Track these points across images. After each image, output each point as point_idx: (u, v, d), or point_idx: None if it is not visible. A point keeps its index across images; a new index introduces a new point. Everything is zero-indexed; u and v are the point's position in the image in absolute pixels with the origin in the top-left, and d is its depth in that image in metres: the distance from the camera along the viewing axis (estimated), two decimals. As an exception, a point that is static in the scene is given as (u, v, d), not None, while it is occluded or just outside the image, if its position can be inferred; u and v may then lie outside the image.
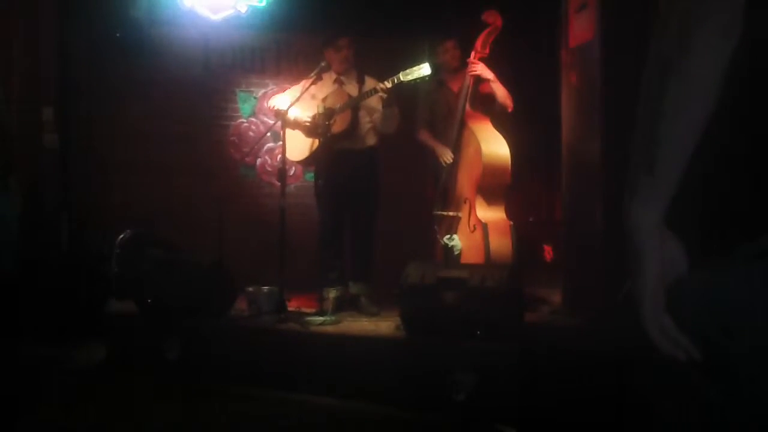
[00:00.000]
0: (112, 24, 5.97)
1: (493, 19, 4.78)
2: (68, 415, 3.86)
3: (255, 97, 6.78)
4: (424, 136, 5.22)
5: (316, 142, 4.99)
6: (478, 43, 4.81)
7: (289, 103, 4.92)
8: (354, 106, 4.92)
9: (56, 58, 5.96)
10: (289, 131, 4.98)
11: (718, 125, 1.11)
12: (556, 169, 5.31)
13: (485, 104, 4.94)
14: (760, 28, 1.12)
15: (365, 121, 5.02)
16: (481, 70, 4.83)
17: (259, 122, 6.76)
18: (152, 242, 5.03)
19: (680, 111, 1.10)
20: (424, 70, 4.61)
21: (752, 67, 1.16)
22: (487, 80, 4.86)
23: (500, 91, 4.89)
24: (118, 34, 5.97)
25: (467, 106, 4.86)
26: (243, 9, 6.36)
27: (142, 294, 4.79)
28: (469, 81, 4.83)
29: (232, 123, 6.74)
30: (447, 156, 4.99)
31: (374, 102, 4.90)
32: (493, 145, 4.77)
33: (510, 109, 4.93)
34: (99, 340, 4.92)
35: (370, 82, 4.99)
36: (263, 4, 6.39)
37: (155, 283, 4.75)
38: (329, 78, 5.07)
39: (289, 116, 4.95)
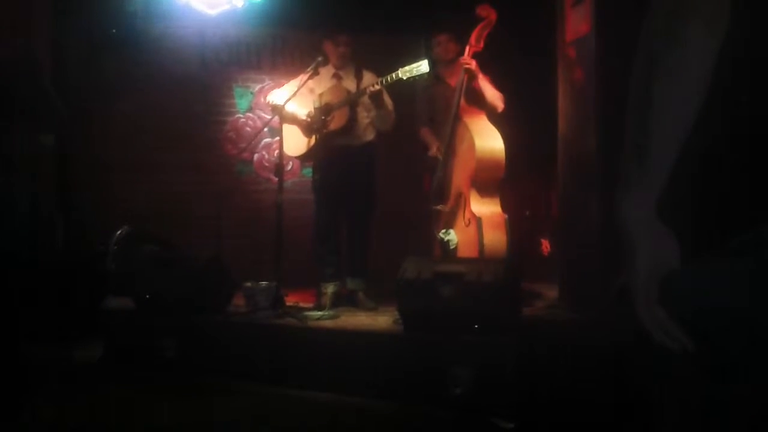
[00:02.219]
0: (107, 20, 5.95)
1: (486, 13, 4.77)
2: (66, 413, 3.86)
3: (252, 93, 6.77)
4: (424, 133, 5.21)
5: (314, 138, 4.99)
6: (473, 38, 4.80)
7: (286, 98, 4.92)
8: (352, 102, 4.92)
9: (51, 55, 5.94)
10: (287, 126, 4.98)
11: (710, 119, 1.12)
12: (552, 163, 5.32)
13: (480, 99, 4.94)
14: (750, 23, 1.12)
15: (363, 117, 5.02)
16: (473, 63, 4.83)
17: (255, 117, 6.75)
18: (149, 239, 5.03)
19: (669, 104, 1.11)
20: (422, 67, 4.61)
21: (743, 62, 1.17)
22: (477, 77, 4.85)
23: (489, 92, 4.90)
24: (113, 30, 5.95)
25: (462, 101, 4.86)
26: (239, 4, 6.34)
27: (140, 291, 4.79)
28: (463, 75, 4.83)
29: (229, 119, 6.73)
30: (434, 150, 5.00)
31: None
32: (487, 139, 4.77)
33: (500, 110, 4.93)
34: (97, 337, 4.92)
35: (368, 77, 4.99)
36: (259, -1, 6.38)
37: (152, 280, 4.75)
38: (327, 73, 5.06)
39: (287, 111, 4.95)
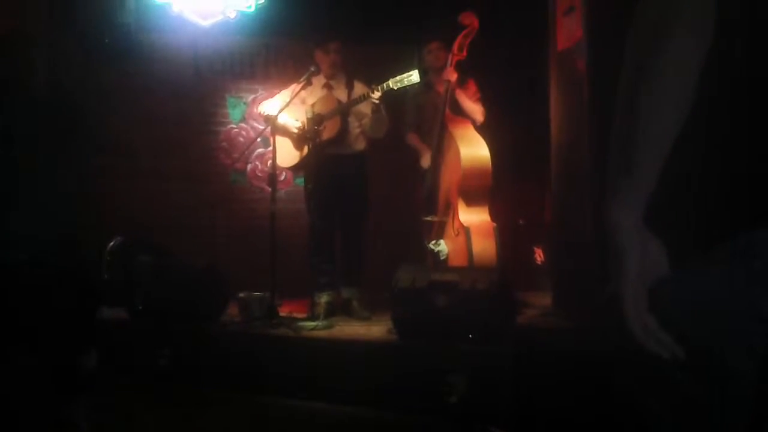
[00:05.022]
0: (100, 30, 5.95)
1: (469, 20, 4.79)
2: (61, 422, 3.84)
3: (245, 103, 6.78)
4: (412, 139, 5.25)
5: (306, 148, 5.00)
6: (455, 46, 4.82)
7: (278, 109, 4.93)
8: (343, 111, 4.94)
9: (44, 65, 5.93)
10: (278, 137, 5.00)
11: (697, 126, 1.13)
12: (545, 171, 5.33)
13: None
14: (734, 29, 1.14)
15: (354, 126, 5.04)
16: (453, 76, 4.86)
17: (249, 127, 6.76)
18: (143, 248, 5.02)
19: (654, 112, 1.12)
20: (413, 77, 4.63)
21: (728, 69, 1.18)
22: (455, 90, 4.89)
23: (467, 105, 4.94)
24: (107, 41, 5.95)
25: (447, 111, 4.88)
26: (232, 15, 6.36)
27: (134, 300, 4.78)
28: (447, 87, 4.86)
29: (222, 128, 6.74)
30: (425, 161, 5.03)
31: (363, 107, 4.92)
32: (472, 148, 4.78)
33: (478, 123, 4.96)
34: (91, 346, 4.89)
35: (359, 88, 5.01)
36: (252, 9, 6.39)
37: (146, 290, 4.74)
38: (318, 83, 5.08)
39: (278, 122, 4.96)
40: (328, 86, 5.09)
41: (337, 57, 5.06)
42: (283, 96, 5.11)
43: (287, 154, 5.09)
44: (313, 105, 4.99)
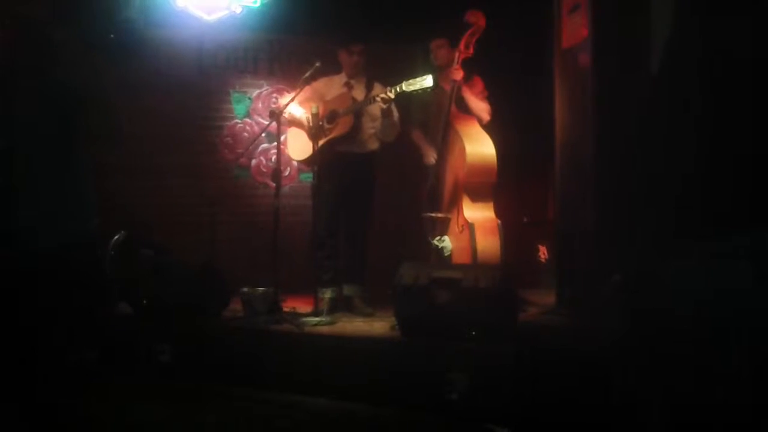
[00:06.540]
0: (105, 26, 5.95)
1: (475, 18, 4.80)
2: (62, 416, 3.85)
3: (249, 98, 6.77)
4: (416, 136, 5.25)
5: (317, 142, 5.03)
6: (461, 44, 4.83)
7: (294, 103, 4.99)
8: (357, 111, 4.95)
9: (48, 61, 5.93)
10: (295, 130, 5.05)
11: (699, 128, 1.13)
12: (550, 169, 5.33)
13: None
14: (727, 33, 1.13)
15: (368, 126, 5.08)
16: (459, 75, 4.87)
17: (253, 123, 6.75)
18: (146, 244, 5.02)
19: None
20: (426, 81, 4.62)
21: (744, 65, 1.18)
22: (462, 89, 4.89)
23: (473, 103, 4.95)
24: (111, 36, 5.95)
25: (453, 108, 4.89)
26: (237, 10, 6.35)
27: (136, 296, 4.78)
28: (453, 85, 4.86)
29: (226, 124, 6.73)
30: (430, 157, 5.03)
31: (376, 110, 4.94)
32: (477, 144, 4.79)
33: (485, 121, 4.97)
34: (93, 341, 4.90)
35: (377, 89, 5.02)
36: (257, 5, 6.38)
37: (149, 285, 4.75)
38: (340, 80, 5.15)
39: (296, 115, 5.01)
40: (348, 85, 5.14)
41: (360, 59, 5.11)
42: (303, 92, 5.11)
43: (301, 147, 5.13)
44: (328, 102, 5.02)
